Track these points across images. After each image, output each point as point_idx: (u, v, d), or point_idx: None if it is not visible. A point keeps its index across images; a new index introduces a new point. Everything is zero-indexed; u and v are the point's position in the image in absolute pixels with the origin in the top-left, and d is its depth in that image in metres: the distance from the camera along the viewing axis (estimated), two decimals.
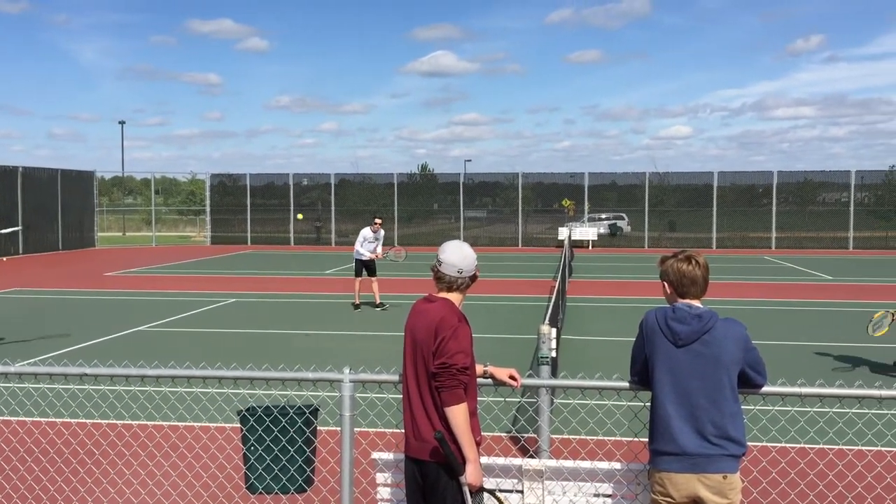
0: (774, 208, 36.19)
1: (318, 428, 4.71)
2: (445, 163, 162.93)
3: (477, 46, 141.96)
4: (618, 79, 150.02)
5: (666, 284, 3.76)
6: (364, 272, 16.30)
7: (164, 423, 7.37)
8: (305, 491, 4.47)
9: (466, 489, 3.55)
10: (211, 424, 7.29)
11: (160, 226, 46.37)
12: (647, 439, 3.78)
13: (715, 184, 36.65)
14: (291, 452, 4.66)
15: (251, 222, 39.34)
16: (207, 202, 40.20)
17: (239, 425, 4.68)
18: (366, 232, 16.36)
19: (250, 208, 39.41)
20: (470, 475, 3.54)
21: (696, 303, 3.72)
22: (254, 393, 7.74)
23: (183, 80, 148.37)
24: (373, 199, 39.45)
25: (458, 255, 3.76)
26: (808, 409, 7.73)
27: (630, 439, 6.63)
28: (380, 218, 16.69)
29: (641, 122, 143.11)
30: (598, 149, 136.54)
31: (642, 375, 3.83)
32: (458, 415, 3.53)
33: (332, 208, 38.77)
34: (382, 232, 16.53)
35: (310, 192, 40.43)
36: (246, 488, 4.47)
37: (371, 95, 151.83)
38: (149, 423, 7.52)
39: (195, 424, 7.30)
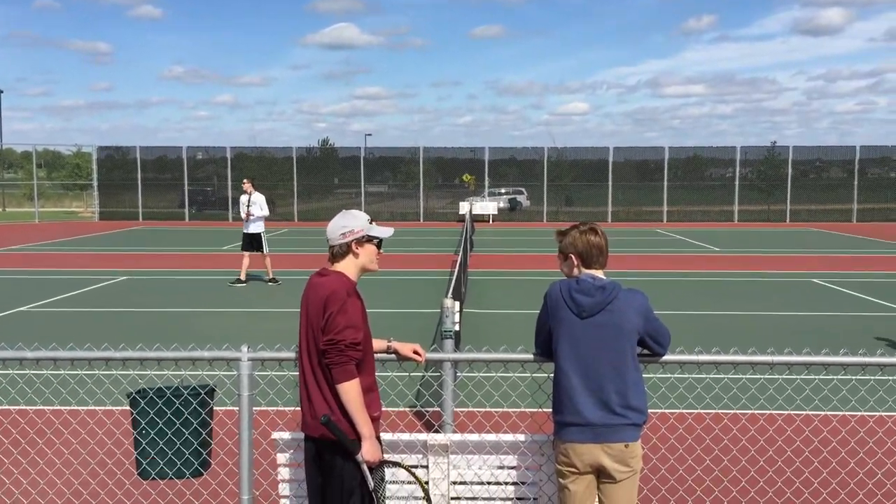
0: (666, 183, 37.39)
1: (215, 409, 4.50)
2: (346, 137, 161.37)
3: (380, 20, 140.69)
4: (520, 55, 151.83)
5: (573, 256, 3.73)
6: (250, 247, 15.85)
7: (45, 408, 6.95)
8: (202, 474, 4.27)
9: (364, 466, 3.46)
10: (97, 408, 6.93)
11: (44, 201, 44.07)
12: (550, 410, 3.78)
13: (610, 159, 37.56)
14: (186, 435, 4.44)
15: (143, 197, 37.83)
16: (95, 176, 38.43)
17: (129, 408, 4.43)
18: (242, 197, 16.07)
19: (141, 182, 37.88)
20: (366, 452, 3.45)
21: (599, 274, 3.72)
22: (144, 374, 7.40)
23: (69, 47, 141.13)
24: (271, 174, 38.58)
25: (332, 222, 3.65)
26: (705, 376, 7.99)
27: (534, 410, 6.68)
28: (247, 179, 16.25)
29: (541, 98, 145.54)
30: (498, 124, 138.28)
31: (546, 347, 3.82)
32: (349, 392, 3.42)
33: (229, 183, 37.70)
34: (252, 195, 15.89)
35: (205, 166, 39.17)
36: (137, 474, 4.23)
37: (269, 67, 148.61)
38: (29, 408, 7.07)
39: (80, 408, 6.91)
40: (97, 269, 18.30)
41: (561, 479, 3.72)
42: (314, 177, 38.78)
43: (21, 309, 13.05)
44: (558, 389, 3.68)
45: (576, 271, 3.74)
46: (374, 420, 3.55)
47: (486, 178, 37.99)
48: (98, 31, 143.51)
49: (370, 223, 3.65)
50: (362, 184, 37.80)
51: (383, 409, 3.80)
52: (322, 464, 3.57)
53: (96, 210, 38.22)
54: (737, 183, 37.23)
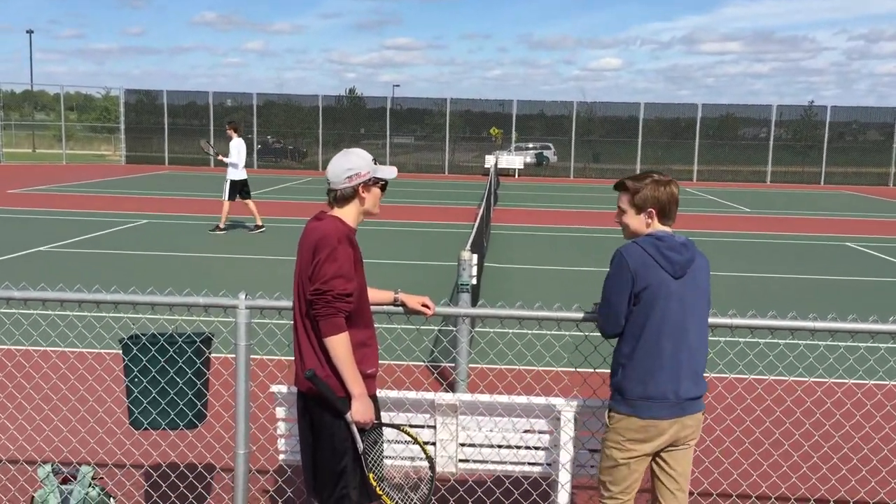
0: (697, 141, 36.54)
1: (211, 358, 4.22)
2: (375, 88, 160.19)
3: None
4: (551, 7, 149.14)
5: (653, 210, 3.36)
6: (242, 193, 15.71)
7: (33, 350, 6.73)
8: (196, 426, 4.00)
9: (354, 427, 3.14)
10: (87, 351, 6.70)
11: (73, 143, 44.20)
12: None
13: (641, 115, 36.70)
14: (180, 384, 4.16)
15: (169, 142, 37.70)
16: (122, 119, 38.31)
17: (121, 354, 4.17)
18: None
19: (168, 127, 37.71)
20: (356, 412, 3.12)
21: (669, 230, 3.39)
22: (138, 318, 7.17)
23: None
24: (297, 122, 38.22)
25: (334, 163, 3.25)
26: (739, 340, 7.59)
27: (550, 370, 6.37)
28: (228, 124, 15.99)
29: (573, 53, 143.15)
30: (529, 78, 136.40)
31: (623, 322, 3.32)
32: (337, 346, 3.08)
33: (255, 130, 37.42)
34: (231, 140, 15.63)
35: (233, 113, 38.87)
36: (129, 423, 3.98)
37: (300, 15, 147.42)
38: (16, 348, 6.87)
39: (70, 351, 6.69)
40: (119, 212, 18.23)
41: (621, 457, 3.31)
42: (340, 126, 38.36)
43: (40, 248, 12.96)
44: (646, 359, 3.25)
45: (647, 227, 3.36)
46: (369, 378, 3.22)
47: (514, 131, 37.35)
48: None
49: (375, 163, 3.28)
50: (388, 135, 37.32)
51: (390, 364, 3.49)
52: (312, 421, 3.28)
53: (123, 154, 38.18)
54: (771, 143, 36.28)
